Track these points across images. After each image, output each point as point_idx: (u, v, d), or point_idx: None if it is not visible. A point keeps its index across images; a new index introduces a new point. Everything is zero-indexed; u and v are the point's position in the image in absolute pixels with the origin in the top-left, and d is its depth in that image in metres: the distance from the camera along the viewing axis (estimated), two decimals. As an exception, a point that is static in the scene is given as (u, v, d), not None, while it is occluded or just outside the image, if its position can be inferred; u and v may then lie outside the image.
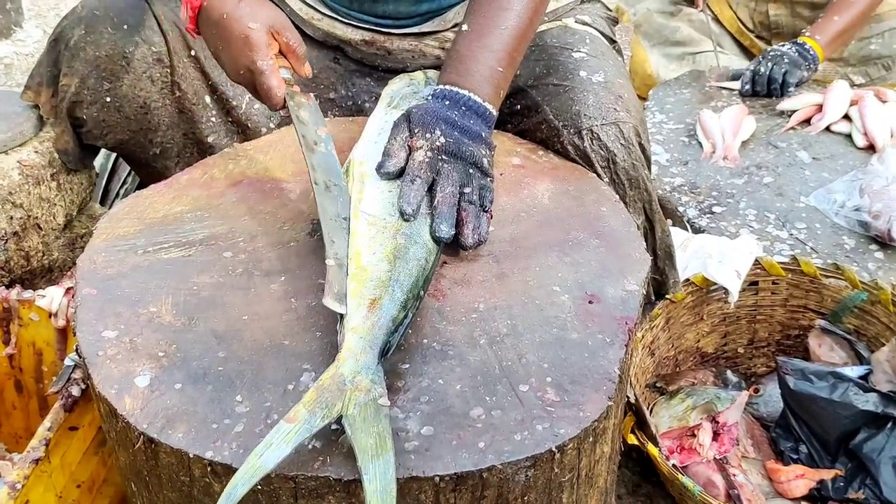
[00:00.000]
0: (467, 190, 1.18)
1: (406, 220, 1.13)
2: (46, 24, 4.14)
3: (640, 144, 1.45)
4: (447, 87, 1.28)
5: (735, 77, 2.77)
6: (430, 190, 1.18)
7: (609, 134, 1.42)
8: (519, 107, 1.53)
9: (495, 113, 1.30)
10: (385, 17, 1.60)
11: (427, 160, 1.18)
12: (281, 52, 1.31)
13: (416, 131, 1.20)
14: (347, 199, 1.18)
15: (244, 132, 1.63)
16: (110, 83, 1.57)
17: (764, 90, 2.64)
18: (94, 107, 1.59)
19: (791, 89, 2.64)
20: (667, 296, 1.67)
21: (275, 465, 0.86)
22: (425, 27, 1.61)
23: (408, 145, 1.20)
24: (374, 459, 0.87)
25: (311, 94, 1.31)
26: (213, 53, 1.33)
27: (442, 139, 1.19)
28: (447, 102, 1.26)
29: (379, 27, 1.61)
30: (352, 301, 1.03)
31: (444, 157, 1.19)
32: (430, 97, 1.28)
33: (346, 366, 0.95)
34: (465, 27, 1.34)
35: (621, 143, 1.42)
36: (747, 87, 2.67)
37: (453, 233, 1.15)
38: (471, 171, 1.20)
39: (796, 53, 2.64)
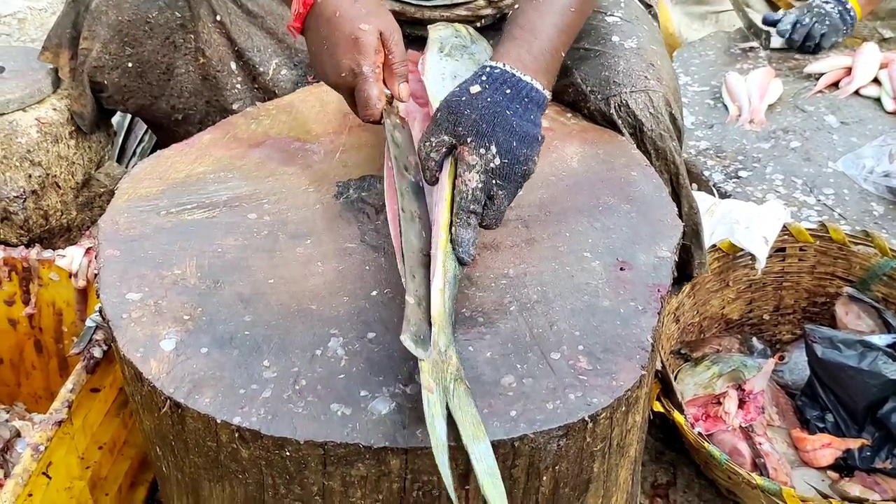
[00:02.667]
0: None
1: (464, 263, 1.01)
2: (60, -21, 4.09)
3: (671, 115, 1.40)
4: (508, 67, 1.12)
5: (768, 22, 2.70)
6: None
7: (638, 102, 1.37)
8: None
9: (548, 102, 1.18)
10: None
11: (480, 186, 1.04)
12: (384, 65, 1.20)
13: (469, 141, 1.05)
14: (429, 234, 1.06)
15: (271, 99, 1.60)
16: (132, 49, 1.54)
17: (799, 41, 2.59)
18: (116, 72, 1.56)
19: (823, 51, 2.59)
20: (692, 277, 1.60)
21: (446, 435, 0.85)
22: None
23: (455, 155, 1.06)
24: (475, 442, 0.85)
25: (406, 120, 1.22)
26: (313, 54, 1.21)
27: (497, 161, 1.05)
28: (507, 92, 1.10)
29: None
30: (439, 266, 0.99)
31: (497, 181, 1.05)
32: (487, 78, 1.11)
33: (440, 337, 0.92)
34: None
35: (650, 112, 1.38)
36: (786, 28, 2.61)
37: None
38: (518, 190, 1.09)
39: (838, 16, 2.59)
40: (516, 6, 1.25)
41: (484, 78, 1.11)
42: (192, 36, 1.55)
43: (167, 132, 1.65)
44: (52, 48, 1.64)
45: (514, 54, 1.15)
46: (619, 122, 1.37)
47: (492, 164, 1.04)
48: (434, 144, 1.06)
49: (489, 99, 1.08)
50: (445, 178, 1.06)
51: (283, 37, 1.59)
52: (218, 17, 1.55)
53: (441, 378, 0.89)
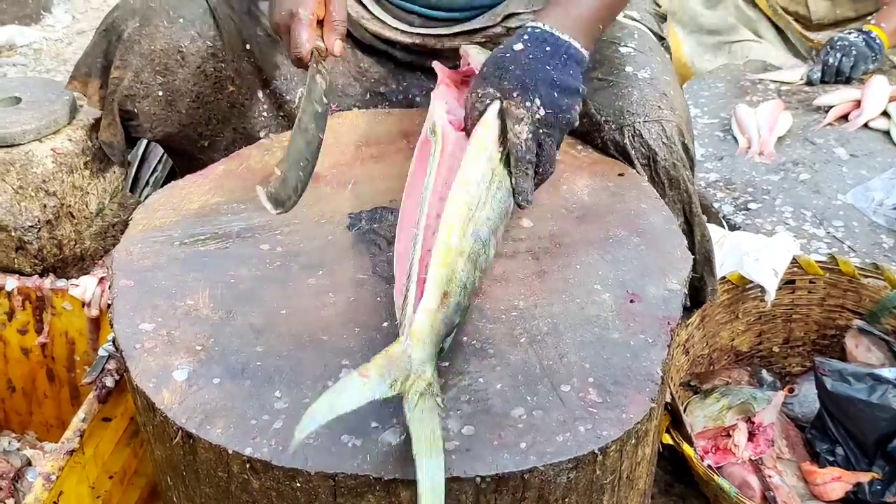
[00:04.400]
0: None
1: (522, 208, 1.14)
2: (75, 9, 4.14)
3: (684, 144, 1.42)
4: (548, 27, 1.21)
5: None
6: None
7: (651, 132, 1.39)
8: None
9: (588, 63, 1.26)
10: (438, 9, 1.57)
11: (531, 136, 1.13)
12: (321, 22, 1.32)
13: (515, 95, 1.14)
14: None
15: None
16: (164, 77, 1.56)
17: (831, 81, 2.62)
18: (147, 100, 1.57)
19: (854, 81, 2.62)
20: (704, 304, 1.61)
21: (348, 411, 0.86)
22: (475, 23, 1.57)
23: (503, 109, 1.14)
24: (427, 457, 0.85)
25: (330, 70, 1.30)
26: (269, 8, 1.34)
27: (542, 112, 1.14)
28: (548, 49, 1.18)
29: (429, 22, 1.58)
30: (432, 283, 1.00)
31: (544, 130, 1.15)
32: (529, 37, 1.20)
33: (415, 350, 0.93)
34: None
35: (663, 142, 1.39)
36: (817, 76, 2.64)
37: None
38: (562, 137, 1.19)
39: (864, 44, 2.61)
40: None
41: (526, 37, 1.20)
42: (223, 65, 1.57)
43: (189, 159, 1.66)
44: (81, 77, 1.65)
45: (553, 16, 1.23)
46: (633, 152, 1.39)
47: (538, 115, 1.13)
48: (480, 96, 1.15)
49: (531, 56, 1.17)
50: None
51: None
52: (247, 46, 1.57)
53: (405, 387, 0.90)
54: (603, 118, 1.41)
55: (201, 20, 1.55)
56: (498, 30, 1.57)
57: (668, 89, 1.45)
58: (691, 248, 1.46)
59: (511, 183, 1.13)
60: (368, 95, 1.61)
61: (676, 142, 1.40)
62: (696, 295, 1.50)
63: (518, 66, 1.15)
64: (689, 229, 1.44)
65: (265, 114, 1.60)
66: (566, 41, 1.20)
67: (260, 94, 1.60)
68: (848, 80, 2.62)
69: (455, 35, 1.57)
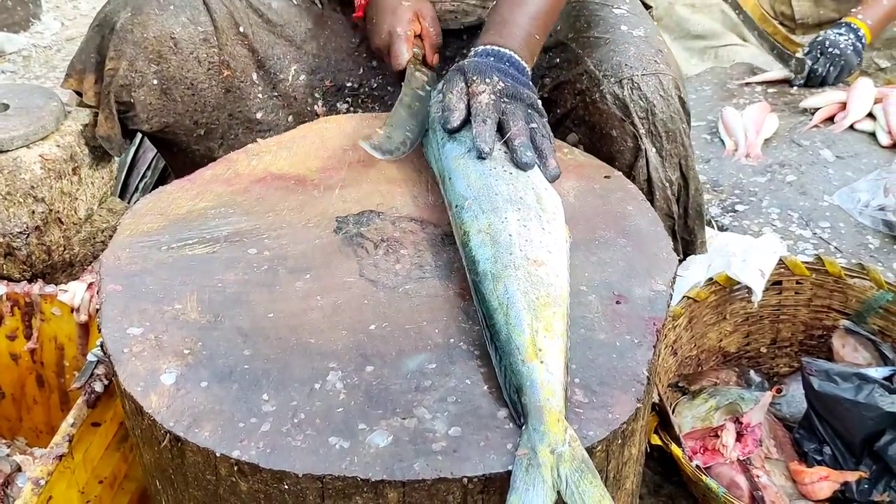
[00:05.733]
0: (533, 125, 1.23)
1: (483, 159, 1.19)
2: (64, 16, 4.14)
3: (680, 98, 1.49)
4: (490, 46, 1.31)
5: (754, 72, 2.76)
6: (500, 130, 1.23)
7: (649, 84, 1.45)
8: (558, 60, 1.57)
9: (530, 73, 1.35)
10: None
11: (492, 101, 1.22)
12: (419, 37, 1.49)
13: (473, 79, 1.24)
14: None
15: (290, 105, 1.66)
16: (158, 65, 1.59)
17: (815, 86, 2.64)
18: (142, 89, 1.60)
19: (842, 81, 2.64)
20: (694, 255, 1.66)
21: None
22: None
23: (466, 95, 1.24)
24: None
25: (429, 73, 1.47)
26: (368, 25, 1.54)
27: (501, 84, 1.24)
28: (492, 59, 1.29)
29: None
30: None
31: (506, 98, 1.23)
32: (475, 55, 1.31)
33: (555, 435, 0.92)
34: None
35: (661, 95, 1.45)
36: (800, 82, 2.65)
37: (536, 160, 1.20)
38: (530, 111, 1.25)
39: (852, 49, 2.62)
40: (492, 3, 1.43)
41: (472, 54, 1.32)
42: (216, 50, 1.60)
43: (184, 152, 1.68)
44: (76, 74, 1.66)
45: (488, 40, 1.34)
46: (632, 105, 1.45)
47: (498, 87, 1.23)
48: (456, 92, 1.25)
49: (479, 60, 1.29)
50: None
51: (300, 44, 1.66)
52: (241, 29, 1.60)
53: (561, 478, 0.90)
54: (601, 73, 1.47)
55: (192, 6, 1.59)
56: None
57: (662, 46, 1.53)
58: (685, 201, 1.52)
59: (472, 134, 1.20)
60: (361, 70, 1.72)
61: (673, 95, 1.45)
62: (687, 247, 1.55)
63: (472, 64, 1.27)
64: (684, 183, 1.50)
65: (260, 95, 1.63)
66: (507, 52, 1.31)
67: (254, 76, 1.63)
68: (824, 83, 2.65)
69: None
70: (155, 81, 1.59)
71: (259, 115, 1.64)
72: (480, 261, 1.08)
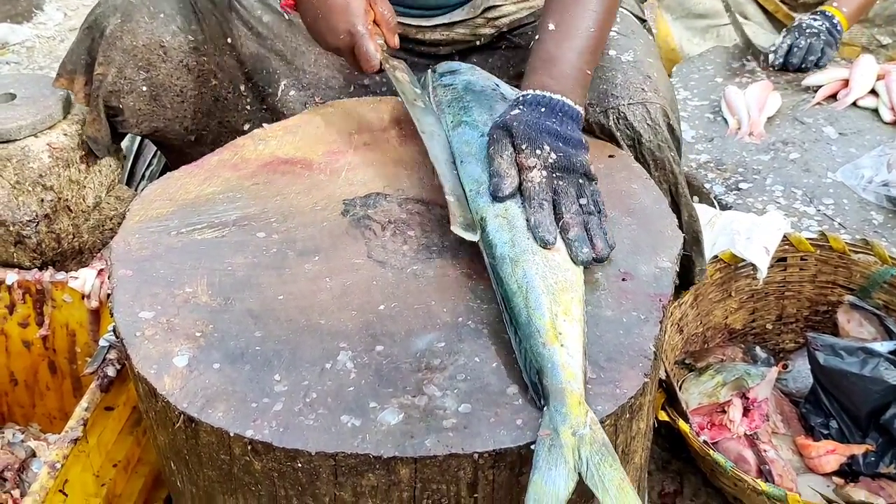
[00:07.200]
0: (583, 201, 1.14)
1: (546, 248, 1.08)
2: (67, 6, 4.14)
3: (669, 125, 1.43)
4: (540, 92, 1.22)
5: (757, 53, 2.74)
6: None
7: (636, 114, 1.40)
8: None
9: (583, 117, 1.27)
10: (416, 7, 1.58)
11: (545, 180, 1.13)
12: (375, 22, 1.38)
13: (523, 148, 1.14)
14: (450, 149, 1.27)
15: (278, 120, 1.62)
16: (147, 73, 1.57)
17: (799, 63, 2.61)
18: (131, 96, 1.59)
19: (821, 65, 2.62)
20: (693, 284, 1.63)
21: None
22: (456, 16, 1.58)
23: (515, 162, 1.15)
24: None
25: (401, 60, 1.40)
26: (309, 25, 1.38)
27: (553, 155, 1.14)
28: (543, 110, 1.20)
29: (410, 17, 1.59)
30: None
31: (557, 173, 1.14)
32: (523, 103, 1.21)
33: (576, 416, 0.93)
34: (550, 26, 1.29)
35: (647, 124, 1.40)
36: (780, 60, 2.64)
37: (593, 254, 1.10)
38: (580, 181, 1.16)
39: (827, 32, 2.61)
40: (536, 37, 1.31)
41: (521, 103, 1.21)
42: (205, 59, 1.58)
43: (179, 154, 1.67)
44: (67, 75, 1.67)
45: (538, 82, 1.24)
46: (618, 134, 1.40)
47: (549, 160, 1.14)
48: (505, 157, 1.15)
49: (528, 115, 1.18)
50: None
51: (291, 59, 1.62)
52: (229, 40, 1.58)
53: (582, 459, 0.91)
54: (587, 101, 1.42)
55: (182, 15, 1.56)
56: (479, 21, 1.58)
57: (652, 71, 1.46)
58: (679, 228, 1.48)
59: (529, 223, 1.10)
60: (352, 88, 1.62)
61: (661, 123, 1.41)
62: (685, 275, 1.52)
63: (521, 123, 1.16)
64: (676, 210, 1.45)
65: (248, 107, 1.61)
66: (559, 100, 1.21)
67: (242, 87, 1.61)
68: (817, 64, 2.63)
69: (435, 27, 1.58)
70: (144, 88, 1.58)
71: (246, 128, 1.62)
72: (498, 244, 1.09)
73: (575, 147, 1.17)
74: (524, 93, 1.23)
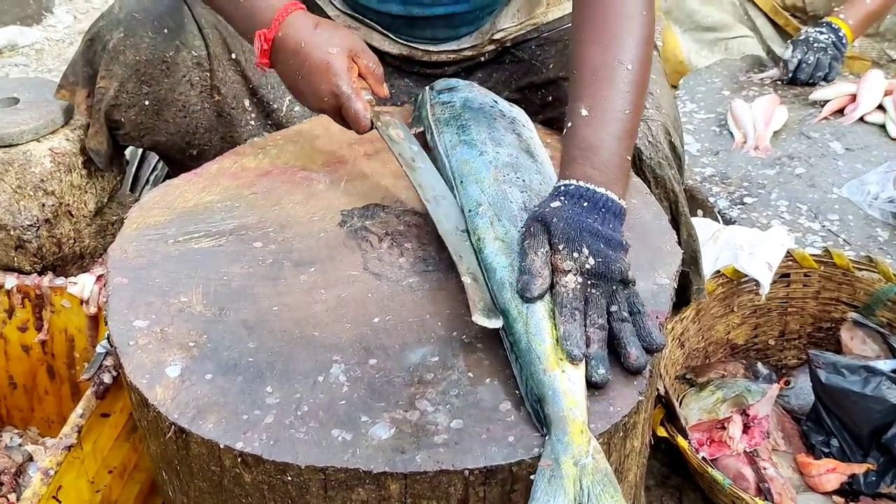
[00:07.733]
0: (614, 308, 1.05)
1: (575, 364, 0.98)
2: (76, 9, 4.16)
3: (670, 143, 1.42)
4: (583, 184, 1.13)
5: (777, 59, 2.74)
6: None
7: None
8: (550, 98, 1.52)
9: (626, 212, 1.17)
10: (423, 39, 1.57)
11: (579, 287, 1.04)
12: (360, 76, 1.29)
13: (560, 248, 1.05)
14: (458, 209, 1.18)
15: None
16: (149, 87, 1.55)
17: (807, 79, 2.61)
18: (133, 110, 1.58)
19: (829, 80, 2.62)
20: (689, 303, 1.62)
21: None
22: (464, 43, 1.58)
23: (551, 262, 1.05)
24: None
25: (394, 112, 1.30)
26: (289, 86, 1.30)
27: (591, 261, 1.04)
28: (585, 204, 1.10)
29: (417, 42, 1.58)
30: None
31: (592, 280, 1.05)
32: (564, 194, 1.12)
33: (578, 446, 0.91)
34: (583, 111, 1.20)
35: (648, 141, 1.40)
36: (789, 76, 2.63)
37: (608, 377, 1.00)
38: (614, 287, 1.06)
39: (833, 46, 2.60)
40: (569, 124, 1.22)
41: (561, 195, 1.12)
42: (208, 74, 1.56)
43: (181, 165, 1.66)
44: (69, 86, 1.66)
45: (579, 172, 1.14)
46: None
47: (586, 266, 1.04)
48: (540, 255, 1.05)
49: (570, 210, 1.08)
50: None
51: None
52: (233, 56, 1.56)
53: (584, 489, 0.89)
54: None
55: (186, 30, 1.54)
56: (488, 48, 1.58)
57: (654, 88, 1.46)
58: (678, 245, 1.47)
59: (560, 333, 1.01)
60: None
61: (662, 141, 1.40)
62: (683, 293, 1.51)
63: (561, 220, 1.07)
64: (675, 228, 1.44)
65: (252, 122, 1.59)
66: (602, 194, 1.12)
67: (247, 102, 1.59)
68: (825, 78, 2.64)
69: (443, 51, 1.58)
70: (146, 102, 1.56)
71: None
72: (497, 269, 1.07)
73: (615, 249, 1.08)
74: (566, 182, 1.14)
